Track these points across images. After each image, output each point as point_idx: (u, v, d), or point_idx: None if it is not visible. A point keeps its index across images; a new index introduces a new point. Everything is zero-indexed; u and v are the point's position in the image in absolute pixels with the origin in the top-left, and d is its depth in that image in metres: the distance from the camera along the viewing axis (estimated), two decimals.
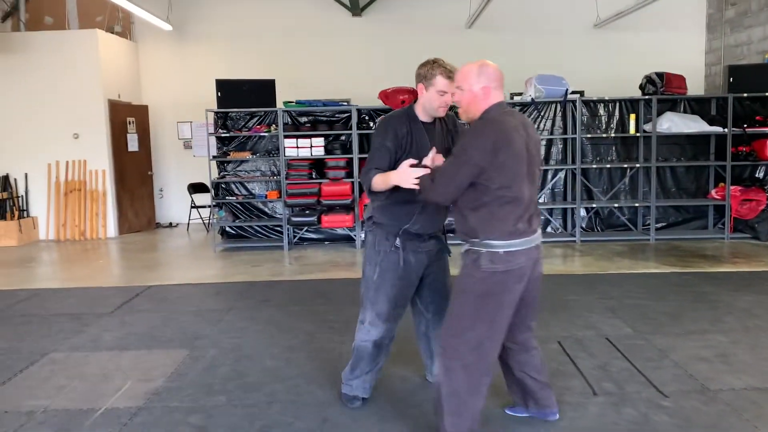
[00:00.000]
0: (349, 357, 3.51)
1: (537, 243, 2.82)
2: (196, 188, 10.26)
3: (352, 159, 8.23)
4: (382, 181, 3.01)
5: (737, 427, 3.09)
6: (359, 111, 8.37)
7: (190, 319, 5.23)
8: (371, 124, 8.40)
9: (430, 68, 3.05)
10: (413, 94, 8.07)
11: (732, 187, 8.11)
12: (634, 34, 10.25)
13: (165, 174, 10.93)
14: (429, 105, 3.10)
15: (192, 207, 10.17)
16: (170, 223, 10.87)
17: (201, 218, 10.29)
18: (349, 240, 8.64)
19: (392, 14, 10.36)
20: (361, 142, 8.38)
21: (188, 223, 10.43)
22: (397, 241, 3.16)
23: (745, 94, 8.07)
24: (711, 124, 8.10)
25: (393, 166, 3.04)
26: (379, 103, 8.34)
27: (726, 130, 8.02)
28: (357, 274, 6.80)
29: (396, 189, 3.00)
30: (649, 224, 8.36)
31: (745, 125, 8.07)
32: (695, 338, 4.39)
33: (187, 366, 4.15)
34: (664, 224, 8.62)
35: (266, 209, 8.90)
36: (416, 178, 2.83)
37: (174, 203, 10.91)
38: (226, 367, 4.12)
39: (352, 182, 8.19)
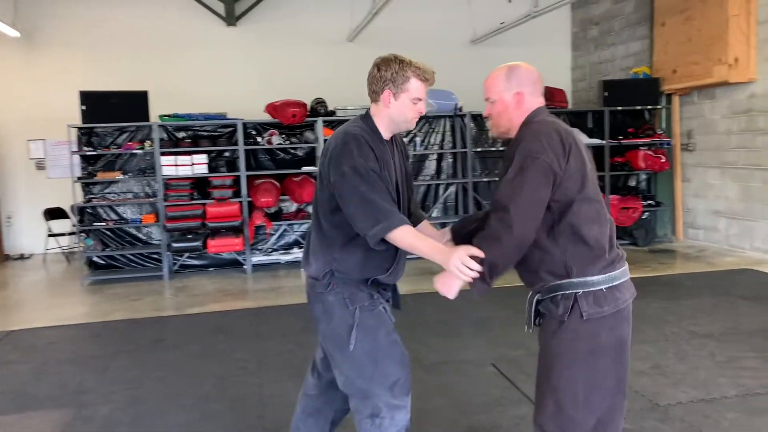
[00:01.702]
0: (273, 401, 3.02)
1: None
2: (53, 214, 9.08)
3: (239, 177, 7.64)
4: (413, 244, 2.16)
5: None
6: (245, 125, 7.81)
7: (68, 369, 4.44)
8: (258, 139, 7.88)
9: (399, 69, 2.30)
10: (304, 108, 7.68)
11: (611, 197, 8.50)
12: (508, 50, 10.52)
13: (13, 199, 9.60)
14: (399, 117, 2.33)
15: (49, 235, 8.98)
16: (21, 255, 9.53)
17: (60, 248, 9.11)
18: (236, 265, 8.01)
19: (269, 25, 9.88)
20: (248, 158, 7.82)
21: (44, 254, 9.21)
22: (374, 294, 2.39)
23: (620, 108, 8.51)
24: (590, 136, 8.46)
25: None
26: (266, 117, 7.84)
27: (604, 141, 8.42)
28: (254, 303, 6.36)
29: None
30: None
31: (621, 137, 8.52)
32: None
33: (76, 431, 3.45)
34: None
35: (140, 235, 8.02)
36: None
37: (25, 231, 9.58)
38: (125, 428, 3.47)
39: (241, 202, 7.60)
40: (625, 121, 8.79)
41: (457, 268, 2.03)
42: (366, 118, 2.40)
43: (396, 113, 2.33)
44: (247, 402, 3.75)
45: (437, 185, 8.70)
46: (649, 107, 8.65)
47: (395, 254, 2.38)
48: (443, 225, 8.70)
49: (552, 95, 8.34)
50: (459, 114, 8.26)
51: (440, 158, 8.68)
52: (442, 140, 8.62)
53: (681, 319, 5.01)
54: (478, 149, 8.50)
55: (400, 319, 5.31)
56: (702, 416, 3.30)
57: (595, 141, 8.43)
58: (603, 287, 2.07)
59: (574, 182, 2.06)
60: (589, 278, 2.06)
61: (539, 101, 2.23)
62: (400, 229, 2.14)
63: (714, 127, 7.94)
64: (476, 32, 10.10)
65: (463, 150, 8.45)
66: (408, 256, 2.43)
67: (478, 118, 8.57)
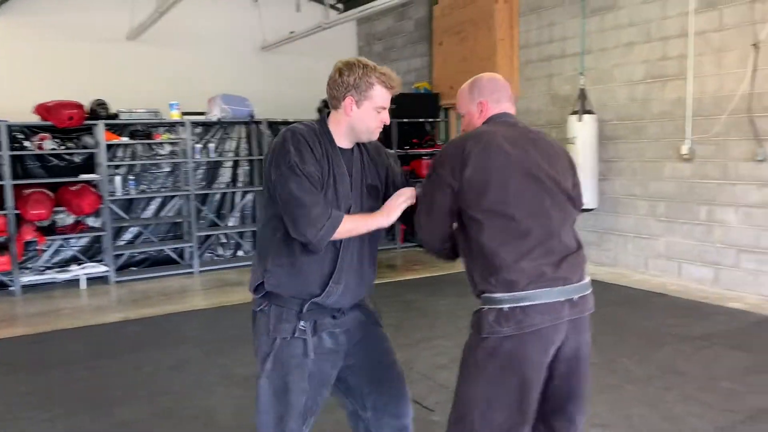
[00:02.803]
0: None
1: (574, 297, 2.01)
2: None
3: (3, 186, 6.70)
4: (358, 226, 2.10)
5: None
6: (10, 127, 6.87)
7: None
8: (27, 143, 7.00)
9: (363, 75, 2.09)
10: (81, 110, 7.00)
11: None
12: (299, 60, 10.66)
13: None
14: (361, 126, 2.14)
15: None
16: None
17: None
18: (2, 286, 7.01)
19: (37, 17, 8.81)
20: (14, 165, 6.90)
21: None
22: (302, 323, 2.15)
23: (406, 120, 9.06)
24: None
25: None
26: (36, 118, 7.01)
27: (392, 151, 8.91)
28: (29, 329, 5.63)
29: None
30: None
31: (407, 146, 9.08)
32: (425, 346, 4.67)
33: None
34: None
35: None
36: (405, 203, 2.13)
37: None
38: None
39: (6, 215, 6.67)
40: (410, 132, 9.39)
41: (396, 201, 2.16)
42: (321, 121, 2.19)
43: (357, 122, 2.14)
44: None
45: (233, 193, 8.49)
46: (431, 120, 9.35)
47: (331, 269, 2.14)
48: (241, 234, 8.55)
49: None
50: (255, 121, 8.15)
51: (236, 165, 8.49)
52: (238, 147, 8.45)
53: (470, 313, 5.48)
54: None
55: (205, 334, 5.13)
56: None
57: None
58: (505, 306, 1.96)
59: (474, 193, 1.99)
60: (491, 295, 1.98)
61: (503, 107, 2.20)
62: (344, 224, 2.06)
63: None
64: (266, 39, 10.05)
65: (260, 157, 8.35)
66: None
67: (274, 126, 8.54)
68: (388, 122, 2.20)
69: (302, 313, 2.14)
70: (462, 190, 2.00)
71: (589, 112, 6.80)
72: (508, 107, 2.22)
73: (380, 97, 2.11)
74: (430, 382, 3.98)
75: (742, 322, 5.02)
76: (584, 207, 7.05)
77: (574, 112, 6.82)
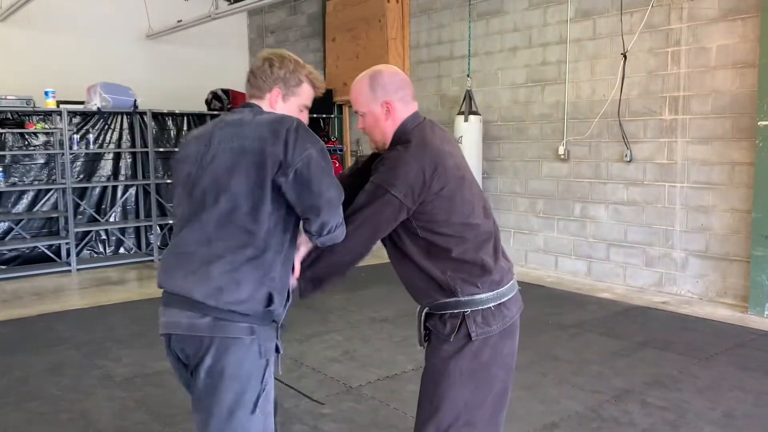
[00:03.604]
0: None
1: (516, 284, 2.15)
2: None
3: None
4: None
5: (390, 416, 3.43)
6: None
7: None
8: None
9: (294, 70, 2.01)
10: None
11: None
12: (186, 49, 10.30)
13: None
14: None
15: None
16: None
17: None
18: None
19: None
20: None
21: None
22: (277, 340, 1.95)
23: (314, 115, 8.99)
24: None
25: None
26: None
27: None
28: None
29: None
30: None
31: None
32: (317, 341, 4.69)
33: None
34: None
35: None
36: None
37: None
38: None
39: None
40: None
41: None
42: (256, 111, 1.98)
43: None
44: None
45: (115, 187, 8.09)
46: (324, 116, 9.36)
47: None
48: (122, 231, 8.15)
49: (235, 98, 8.44)
50: (138, 111, 7.80)
51: (117, 158, 8.09)
52: (120, 138, 8.05)
53: (361, 308, 5.57)
54: (161, 149, 8.15)
55: (83, 335, 4.86)
56: (388, 391, 3.74)
57: None
58: (491, 305, 2.00)
59: (441, 206, 1.97)
60: (476, 297, 1.99)
61: (411, 107, 2.08)
62: None
63: None
64: (152, 27, 9.63)
65: (144, 149, 8.02)
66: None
67: (160, 117, 8.22)
68: (306, 122, 2.03)
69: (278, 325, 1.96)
70: (424, 211, 1.95)
71: (475, 113, 7.08)
72: (414, 105, 2.11)
73: (306, 95, 2.06)
74: (320, 376, 4.00)
75: (611, 310, 5.43)
76: None
77: (461, 113, 7.07)
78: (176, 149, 8.27)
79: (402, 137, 2.04)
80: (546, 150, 6.84)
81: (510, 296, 2.06)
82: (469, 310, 1.98)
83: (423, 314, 2.07)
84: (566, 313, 5.36)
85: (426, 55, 8.07)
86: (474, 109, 7.08)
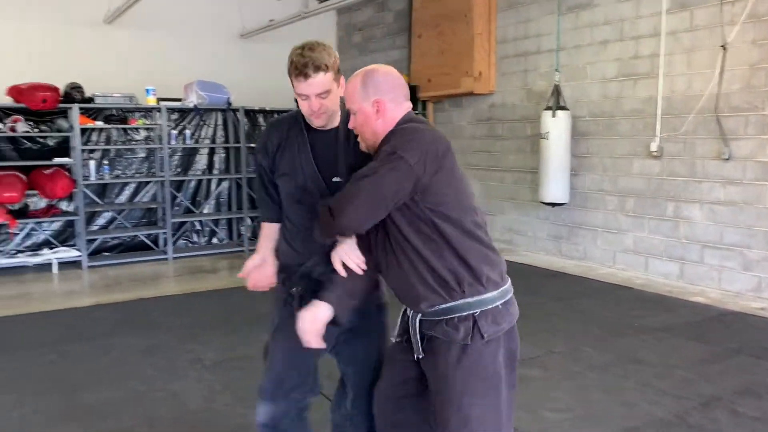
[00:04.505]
0: (36, 417, 2.75)
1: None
2: None
3: None
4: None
5: None
6: None
7: None
8: (1, 125, 6.93)
9: (288, 65, 2.12)
10: (56, 93, 6.95)
11: None
12: (277, 48, 10.58)
13: None
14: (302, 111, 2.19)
15: None
16: None
17: None
18: None
19: None
20: None
21: None
22: (293, 290, 2.23)
23: None
24: None
25: (273, 192, 2.31)
26: (8, 100, 6.95)
27: None
28: None
29: (288, 201, 2.26)
30: None
31: None
32: None
33: None
34: None
35: None
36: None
37: None
38: None
39: None
40: None
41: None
42: None
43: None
44: (4, 421, 3.33)
45: (209, 180, 8.49)
46: None
47: (302, 234, 2.23)
48: (215, 222, 8.55)
49: None
50: (232, 108, 8.15)
51: (212, 152, 8.48)
52: (214, 134, 8.44)
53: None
54: (252, 145, 8.47)
55: (176, 320, 5.14)
56: None
57: None
58: (499, 303, 1.95)
59: (452, 191, 1.93)
60: (485, 296, 1.92)
61: (404, 107, 2.04)
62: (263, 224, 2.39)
63: (461, 132, 8.90)
64: (245, 27, 10.01)
65: (237, 145, 8.37)
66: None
67: (251, 114, 8.54)
68: (315, 109, 2.11)
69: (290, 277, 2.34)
70: (432, 190, 1.89)
71: (563, 108, 6.92)
72: (407, 106, 2.06)
73: (296, 86, 2.12)
74: None
75: (703, 315, 5.17)
76: (555, 201, 7.15)
77: (548, 108, 6.93)
78: None
79: (399, 127, 2.00)
80: (637, 146, 6.58)
81: (511, 293, 2.04)
82: (479, 310, 1.91)
83: (417, 321, 1.98)
84: (654, 316, 5.15)
85: (512, 49, 7.95)
86: (562, 104, 6.93)
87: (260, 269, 2.36)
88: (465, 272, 1.92)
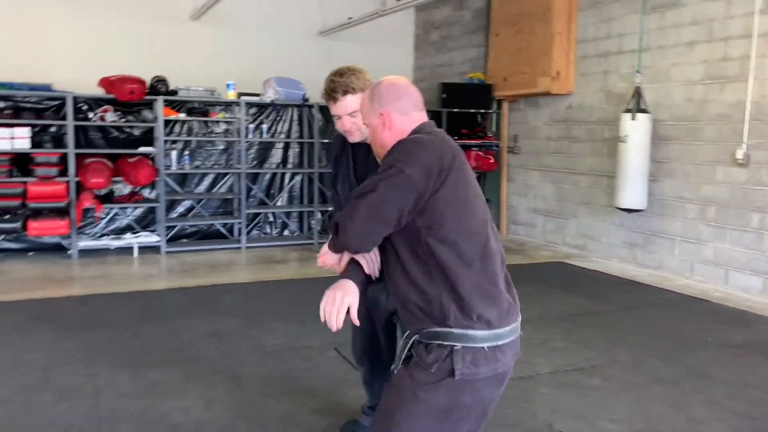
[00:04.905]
0: (107, 391, 2.91)
1: (520, 331, 1.92)
2: None
3: (66, 154, 7.06)
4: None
5: (517, 415, 3.37)
6: (76, 99, 7.24)
7: None
8: (90, 115, 7.36)
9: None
10: (143, 85, 7.30)
11: None
12: (355, 46, 10.76)
13: None
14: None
15: None
16: None
17: None
18: (59, 249, 7.42)
19: None
20: (77, 135, 7.26)
21: None
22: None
23: (456, 110, 9.06)
24: None
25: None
26: (100, 91, 7.35)
27: None
28: (81, 291, 5.94)
29: None
30: None
31: (456, 137, 9.07)
32: None
33: None
34: None
35: None
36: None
37: None
38: None
39: (68, 181, 7.03)
40: (460, 123, 9.38)
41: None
42: None
43: None
44: (79, 393, 3.54)
45: (283, 174, 8.70)
46: (482, 111, 9.31)
47: None
48: (287, 214, 8.76)
49: None
50: (306, 104, 8.32)
51: (287, 147, 8.68)
52: (290, 129, 8.63)
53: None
54: (325, 140, 8.62)
55: (244, 307, 5.30)
56: (520, 391, 3.68)
57: None
58: (485, 345, 1.78)
59: (452, 211, 1.78)
60: (470, 332, 1.77)
61: (415, 118, 1.94)
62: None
63: (536, 133, 8.73)
64: (325, 24, 10.19)
65: (310, 140, 8.54)
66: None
67: (325, 110, 8.67)
68: (347, 127, 2.45)
69: None
70: (432, 207, 1.77)
71: (644, 110, 6.67)
72: (419, 117, 1.95)
73: (330, 107, 2.47)
74: None
75: None
76: (632, 207, 6.90)
77: (628, 110, 6.70)
78: None
79: (406, 139, 1.90)
80: (722, 153, 6.25)
81: (508, 340, 1.82)
82: (460, 345, 1.75)
83: (411, 341, 1.86)
84: (731, 331, 4.89)
85: (593, 49, 7.72)
86: (643, 106, 6.67)
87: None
88: (453, 302, 1.77)
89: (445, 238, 1.78)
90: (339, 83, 2.37)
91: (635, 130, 6.65)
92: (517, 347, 1.89)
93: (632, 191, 6.74)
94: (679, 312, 5.42)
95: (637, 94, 6.70)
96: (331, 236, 1.95)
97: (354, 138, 2.48)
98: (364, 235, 1.80)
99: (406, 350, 1.88)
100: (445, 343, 1.77)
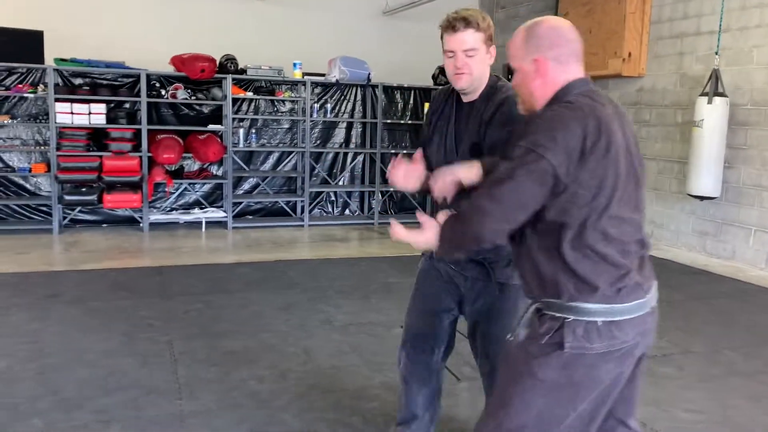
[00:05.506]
0: (184, 358, 3.01)
1: (654, 304, 1.78)
2: None
3: (140, 130, 7.30)
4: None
5: None
6: (149, 76, 7.45)
7: None
8: (162, 92, 7.57)
9: (440, 24, 2.20)
10: (213, 63, 7.45)
11: None
12: (419, 26, 10.67)
13: None
14: (447, 75, 2.25)
15: None
16: None
17: None
18: (131, 222, 7.71)
19: None
20: (150, 111, 7.49)
21: None
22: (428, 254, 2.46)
23: None
24: None
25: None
26: (170, 69, 7.55)
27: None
28: (153, 262, 6.17)
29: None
30: None
31: None
32: None
33: None
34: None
35: (28, 185, 7.49)
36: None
37: None
38: (30, 382, 3.33)
39: (140, 156, 7.27)
40: None
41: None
42: None
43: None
44: (158, 358, 3.69)
45: (345, 153, 8.76)
46: None
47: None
48: (349, 194, 8.83)
49: None
50: (370, 84, 8.34)
51: (350, 127, 8.73)
52: (353, 109, 8.67)
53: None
54: (388, 121, 8.63)
55: (309, 282, 5.40)
56: None
57: None
58: (598, 320, 1.67)
59: (591, 190, 1.63)
60: (582, 305, 1.68)
61: (572, 70, 1.74)
62: None
63: None
64: (389, 4, 10.13)
65: (374, 120, 8.56)
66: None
67: (389, 91, 8.68)
68: (460, 66, 2.14)
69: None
70: (568, 191, 1.63)
71: (721, 94, 6.40)
72: (577, 70, 1.74)
73: (445, 41, 2.17)
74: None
75: None
76: (704, 195, 6.65)
77: (704, 94, 6.44)
78: (401, 122, 8.67)
79: (557, 101, 1.71)
80: None
81: (629, 317, 1.69)
82: (572, 317, 1.67)
83: (532, 309, 1.81)
84: None
85: (668, 30, 7.44)
86: (720, 90, 6.41)
87: (410, 169, 2.21)
88: (568, 276, 1.68)
89: (580, 215, 1.66)
90: (464, 14, 2.11)
91: (711, 114, 6.39)
92: (643, 325, 1.73)
93: (706, 178, 6.51)
94: (754, 304, 5.23)
95: (715, 76, 6.43)
96: (441, 236, 1.80)
97: (461, 83, 2.18)
98: (498, 227, 1.69)
99: (527, 314, 1.82)
100: (557, 314, 1.70)
